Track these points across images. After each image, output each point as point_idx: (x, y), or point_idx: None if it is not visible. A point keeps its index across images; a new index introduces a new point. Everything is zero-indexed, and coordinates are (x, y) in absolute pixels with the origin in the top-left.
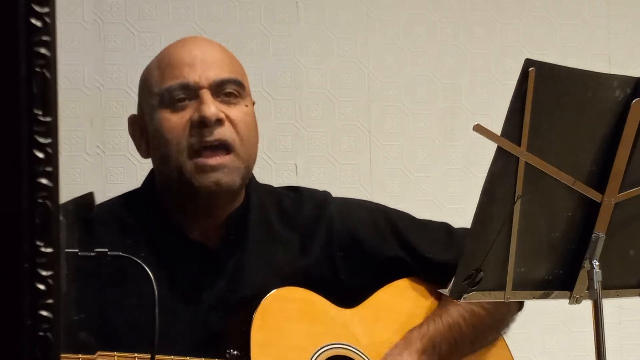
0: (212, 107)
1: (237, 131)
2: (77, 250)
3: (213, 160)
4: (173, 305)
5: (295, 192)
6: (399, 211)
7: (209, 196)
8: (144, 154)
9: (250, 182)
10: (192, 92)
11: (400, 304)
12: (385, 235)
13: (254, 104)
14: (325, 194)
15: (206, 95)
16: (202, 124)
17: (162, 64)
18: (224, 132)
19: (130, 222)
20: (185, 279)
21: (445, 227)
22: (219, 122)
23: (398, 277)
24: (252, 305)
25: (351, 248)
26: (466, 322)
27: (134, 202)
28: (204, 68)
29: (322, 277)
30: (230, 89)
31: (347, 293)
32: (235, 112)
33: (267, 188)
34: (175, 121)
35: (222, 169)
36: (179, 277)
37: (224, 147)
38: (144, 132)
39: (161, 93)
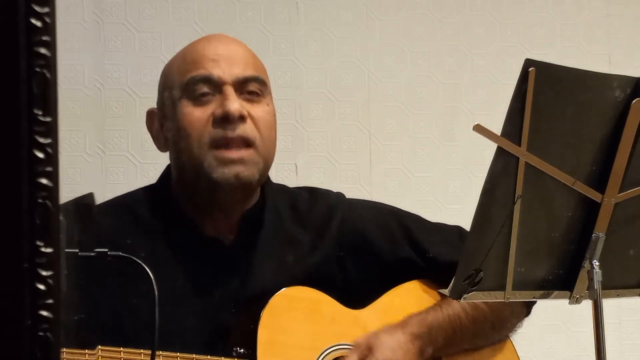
0: (235, 103)
1: (258, 129)
2: (77, 250)
3: (234, 154)
4: (185, 300)
5: (309, 193)
6: (410, 213)
7: (227, 190)
8: (162, 148)
9: (266, 182)
10: (215, 86)
11: (410, 306)
12: (396, 237)
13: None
14: (339, 195)
15: (230, 91)
16: (225, 119)
17: (186, 58)
18: (245, 129)
19: (145, 217)
20: (199, 275)
21: (457, 230)
22: (242, 118)
23: (408, 279)
24: (260, 304)
25: (362, 249)
26: (467, 315)
27: (150, 197)
28: (228, 64)
29: (332, 277)
30: (253, 87)
31: (357, 294)
32: (257, 110)
33: (282, 188)
34: (198, 115)
35: (243, 163)
36: (193, 272)
37: (245, 143)
38: (162, 126)
39: (184, 84)
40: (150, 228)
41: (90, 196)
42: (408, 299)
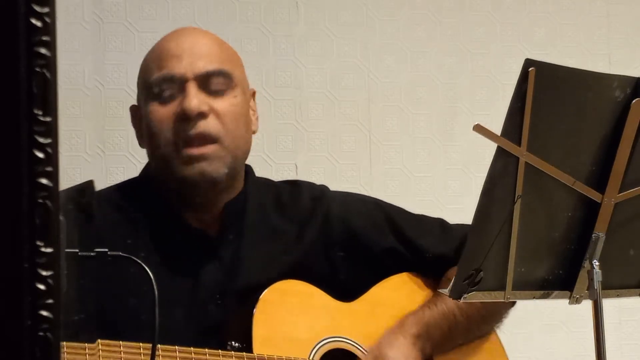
0: (194, 101)
1: (222, 123)
2: (77, 250)
3: (196, 151)
4: (172, 293)
5: (293, 185)
6: (394, 205)
7: (195, 186)
8: (141, 144)
9: (248, 174)
10: (178, 84)
11: (398, 298)
12: (381, 228)
13: (254, 93)
14: (323, 188)
15: (191, 88)
16: (184, 117)
17: (152, 57)
18: (206, 125)
19: (130, 210)
20: (184, 267)
21: (439, 221)
22: (202, 115)
23: (395, 271)
24: (253, 298)
25: (347, 240)
26: (461, 312)
27: (133, 189)
28: (191, 60)
29: (319, 270)
30: (217, 81)
31: (345, 286)
32: (222, 103)
33: (265, 181)
34: (163, 113)
35: (206, 159)
36: (179, 264)
37: (208, 139)
38: (141, 122)
39: (149, 85)
40: (136, 221)
41: (90, 183)
42: (397, 291)
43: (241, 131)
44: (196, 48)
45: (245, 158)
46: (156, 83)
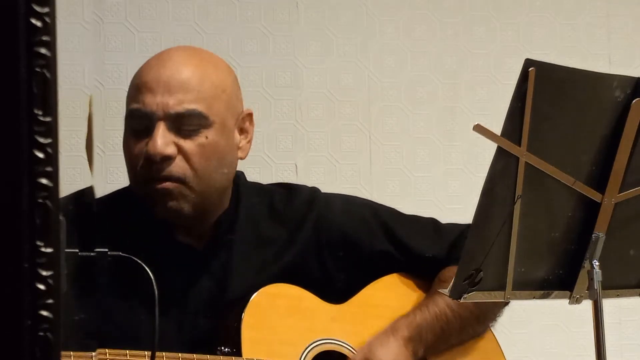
0: (158, 144)
1: (190, 164)
2: (77, 250)
3: (160, 187)
4: (160, 307)
5: (285, 189)
6: (386, 206)
7: (167, 221)
8: None
9: (238, 182)
10: (149, 121)
11: (389, 299)
12: (373, 230)
13: (249, 114)
14: (314, 190)
15: (159, 128)
16: (149, 159)
17: (134, 81)
18: (171, 169)
19: (118, 221)
20: (172, 281)
21: (432, 222)
22: (168, 157)
23: (386, 273)
24: (242, 302)
25: (340, 243)
26: (453, 312)
27: (123, 200)
28: (164, 97)
29: (311, 274)
30: (189, 122)
31: (337, 289)
32: (191, 144)
33: (257, 187)
34: (135, 149)
35: (169, 195)
36: (166, 278)
37: (173, 181)
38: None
39: (127, 115)
40: (123, 232)
41: (90, 190)
42: (387, 293)
43: (209, 171)
44: (173, 81)
45: (223, 190)
46: (130, 115)
